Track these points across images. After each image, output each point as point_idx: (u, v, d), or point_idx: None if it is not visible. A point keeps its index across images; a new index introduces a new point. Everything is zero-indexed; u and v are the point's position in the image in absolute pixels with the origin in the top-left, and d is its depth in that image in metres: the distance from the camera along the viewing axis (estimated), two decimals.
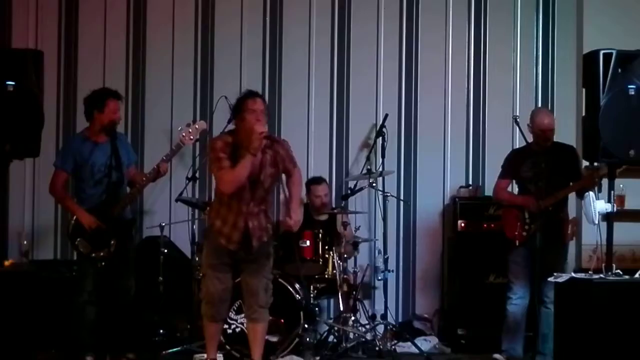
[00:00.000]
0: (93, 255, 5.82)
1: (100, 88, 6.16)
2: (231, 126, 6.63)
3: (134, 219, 6.21)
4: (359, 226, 7.01)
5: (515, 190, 6.43)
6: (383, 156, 7.05)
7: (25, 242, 6.67)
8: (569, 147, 6.23)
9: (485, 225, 6.97)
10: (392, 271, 7.12)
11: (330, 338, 6.61)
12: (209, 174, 7.20)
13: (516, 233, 6.09)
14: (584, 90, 5.76)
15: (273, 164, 5.28)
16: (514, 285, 6.12)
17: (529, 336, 6.14)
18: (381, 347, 6.38)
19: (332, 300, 7.11)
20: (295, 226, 5.35)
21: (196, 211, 6.68)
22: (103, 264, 5.80)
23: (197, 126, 6.08)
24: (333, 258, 6.46)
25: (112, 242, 5.80)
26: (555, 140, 6.21)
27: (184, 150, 7.08)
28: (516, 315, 6.11)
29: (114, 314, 5.92)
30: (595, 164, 5.70)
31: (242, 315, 6.03)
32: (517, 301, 6.10)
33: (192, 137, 6.03)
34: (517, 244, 6.09)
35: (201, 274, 5.51)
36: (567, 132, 7.22)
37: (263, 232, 5.32)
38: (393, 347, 6.47)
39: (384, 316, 6.79)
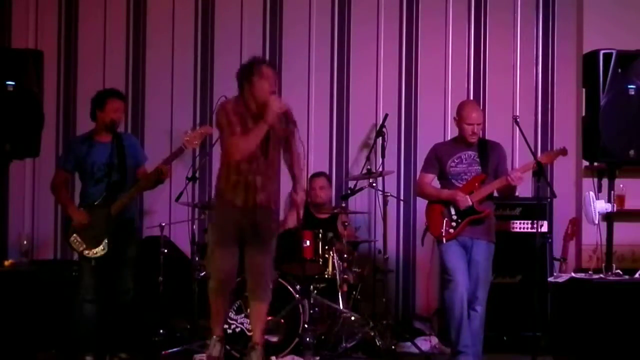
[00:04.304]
0: (87, 252, 5.81)
1: (104, 89, 6.16)
2: None
3: (132, 219, 6.17)
4: (359, 226, 7.00)
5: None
6: (383, 156, 7.03)
7: (25, 242, 6.66)
8: (495, 144, 6.04)
9: None
10: (392, 271, 7.12)
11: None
12: (209, 173, 7.22)
13: (442, 230, 5.88)
14: (584, 90, 5.77)
15: (279, 122, 5.17)
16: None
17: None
18: (381, 347, 6.38)
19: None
20: (302, 203, 5.34)
21: (196, 211, 6.68)
22: (93, 263, 5.78)
23: (201, 131, 5.99)
24: (333, 258, 6.46)
25: (106, 241, 5.79)
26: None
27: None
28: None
29: (112, 314, 5.91)
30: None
31: (242, 315, 6.03)
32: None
33: (196, 142, 5.95)
34: (444, 241, 5.88)
35: (204, 268, 5.47)
36: (567, 132, 7.24)
37: (269, 193, 5.22)
38: (393, 347, 6.47)
39: (384, 316, 6.79)
